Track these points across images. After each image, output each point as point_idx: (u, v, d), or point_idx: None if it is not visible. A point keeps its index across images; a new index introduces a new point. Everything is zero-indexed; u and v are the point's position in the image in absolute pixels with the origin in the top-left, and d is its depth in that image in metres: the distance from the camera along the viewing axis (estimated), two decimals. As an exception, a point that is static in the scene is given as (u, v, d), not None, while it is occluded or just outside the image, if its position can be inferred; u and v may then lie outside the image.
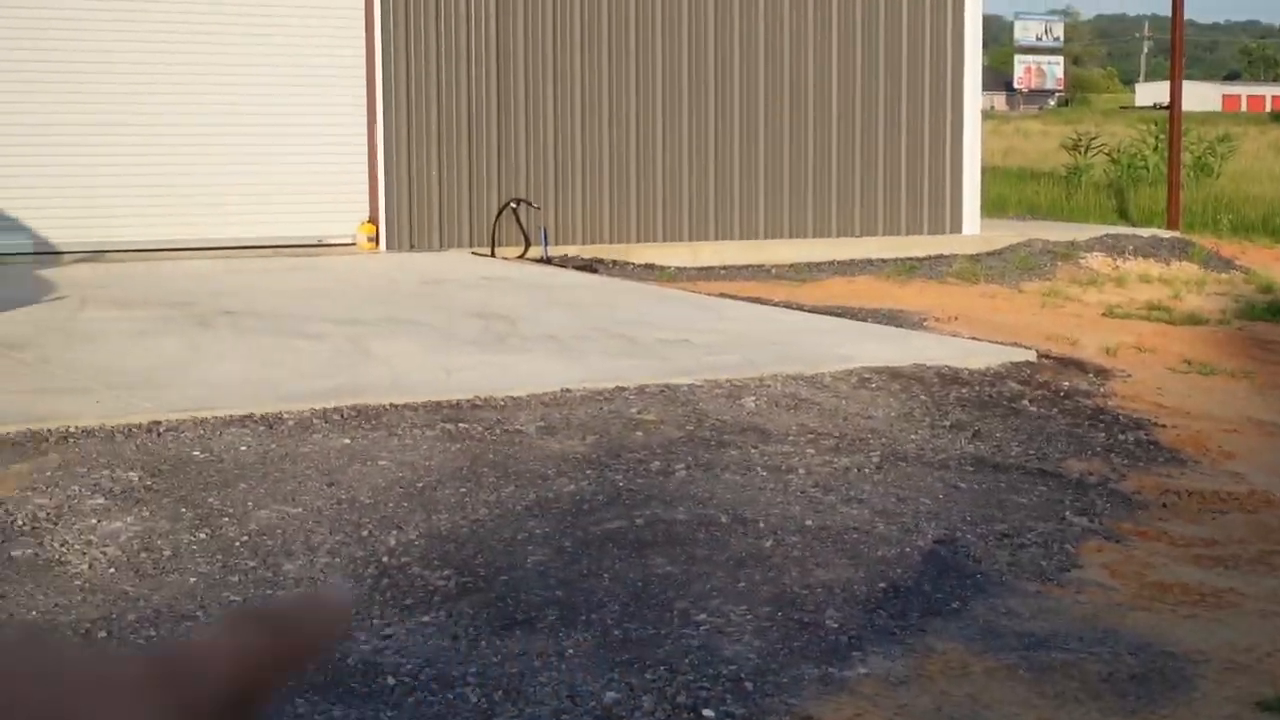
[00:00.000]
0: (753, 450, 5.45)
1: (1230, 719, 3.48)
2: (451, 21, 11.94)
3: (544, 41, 12.19)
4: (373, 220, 11.64)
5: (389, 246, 11.60)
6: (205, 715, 0.37)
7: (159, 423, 5.62)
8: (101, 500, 4.67)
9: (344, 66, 11.86)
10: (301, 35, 11.88)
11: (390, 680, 3.55)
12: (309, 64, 11.82)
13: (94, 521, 4.48)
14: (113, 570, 4.13)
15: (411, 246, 11.63)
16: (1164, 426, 6.60)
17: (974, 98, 13.63)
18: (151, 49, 11.30)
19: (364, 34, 11.83)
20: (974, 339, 8.51)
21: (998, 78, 53.57)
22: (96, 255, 10.69)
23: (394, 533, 4.48)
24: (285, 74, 11.88)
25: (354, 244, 11.74)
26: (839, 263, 12.00)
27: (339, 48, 11.98)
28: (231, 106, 11.67)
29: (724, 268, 11.94)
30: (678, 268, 11.70)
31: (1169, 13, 14.92)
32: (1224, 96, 54.50)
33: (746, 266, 11.97)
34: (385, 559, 4.20)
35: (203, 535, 4.37)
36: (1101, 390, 7.30)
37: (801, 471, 5.20)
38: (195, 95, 11.52)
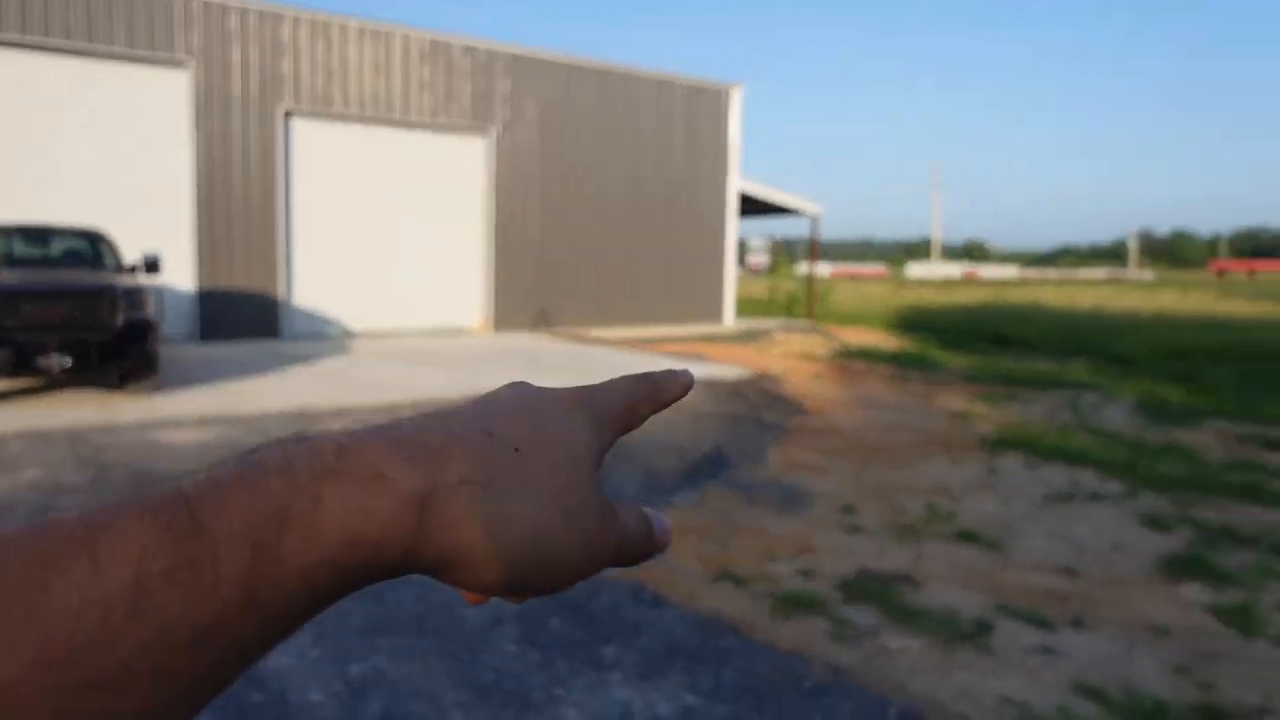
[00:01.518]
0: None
1: (827, 520, 7.00)
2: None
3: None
4: (485, 316, 20.11)
5: (495, 330, 20.19)
6: (605, 418, 0.55)
7: (395, 405, 10.98)
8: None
9: (476, 207, 19.34)
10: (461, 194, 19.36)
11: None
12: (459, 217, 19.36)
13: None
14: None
15: (497, 330, 19.88)
16: (804, 400, 12.38)
17: (732, 259, 25.41)
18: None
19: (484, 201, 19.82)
20: (730, 365, 14.99)
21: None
22: (374, 335, 17.89)
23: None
24: (447, 212, 19.64)
25: (477, 328, 19.73)
26: (669, 338, 20.52)
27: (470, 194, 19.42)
28: (416, 244, 19.33)
29: (616, 339, 19.67)
30: (605, 337, 19.36)
31: (818, 237, 28.77)
32: (834, 271, 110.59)
33: (626, 339, 19.77)
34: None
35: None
36: (779, 387, 13.21)
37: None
38: (365, 228, 18.89)
